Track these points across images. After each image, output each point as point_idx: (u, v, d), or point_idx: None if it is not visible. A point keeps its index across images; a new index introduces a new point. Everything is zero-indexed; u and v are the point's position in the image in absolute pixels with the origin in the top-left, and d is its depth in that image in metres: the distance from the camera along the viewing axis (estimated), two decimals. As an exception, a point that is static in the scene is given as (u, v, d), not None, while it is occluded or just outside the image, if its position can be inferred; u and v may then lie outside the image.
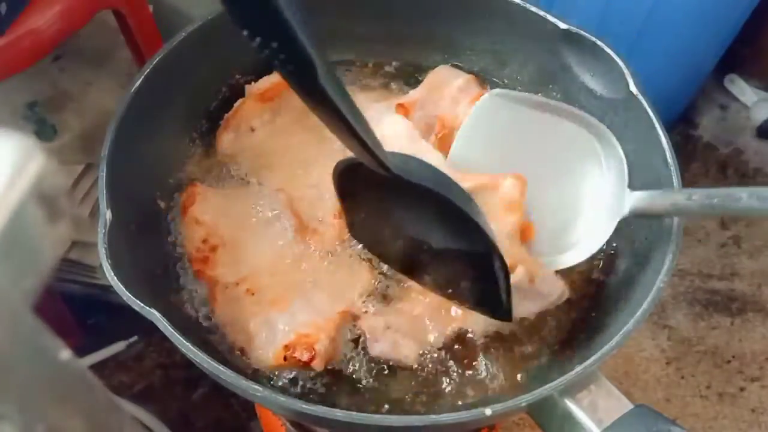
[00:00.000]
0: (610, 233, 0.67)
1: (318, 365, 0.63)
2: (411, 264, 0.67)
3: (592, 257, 0.71)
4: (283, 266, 0.70)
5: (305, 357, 0.63)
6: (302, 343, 0.63)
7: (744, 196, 0.57)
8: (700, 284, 1.66)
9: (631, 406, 0.57)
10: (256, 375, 0.66)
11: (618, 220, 0.66)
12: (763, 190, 0.56)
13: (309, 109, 0.51)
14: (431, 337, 0.67)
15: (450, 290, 0.66)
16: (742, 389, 1.52)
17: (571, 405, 0.57)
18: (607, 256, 0.74)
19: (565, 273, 0.73)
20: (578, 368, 0.57)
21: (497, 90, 0.74)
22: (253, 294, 0.68)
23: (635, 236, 0.73)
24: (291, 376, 0.66)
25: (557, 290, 0.69)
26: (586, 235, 0.69)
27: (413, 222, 0.63)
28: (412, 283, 0.69)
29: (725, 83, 1.97)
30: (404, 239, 0.65)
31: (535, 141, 0.71)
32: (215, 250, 0.70)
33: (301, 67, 0.47)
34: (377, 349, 0.66)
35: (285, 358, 0.64)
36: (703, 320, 1.61)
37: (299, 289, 0.69)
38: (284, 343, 0.64)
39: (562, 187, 0.70)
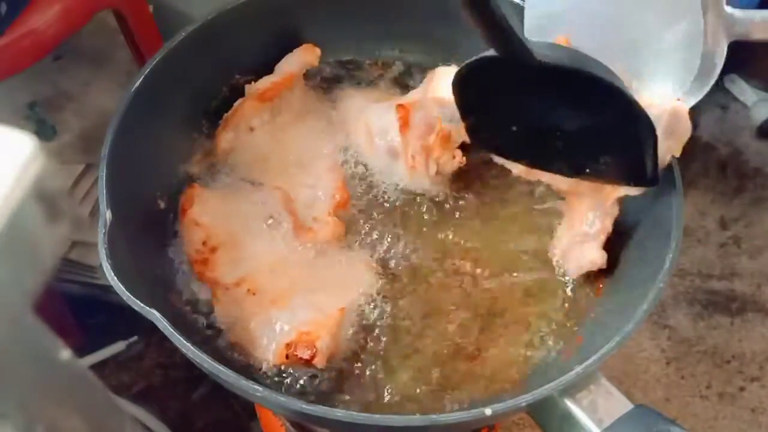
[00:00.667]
0: (722, 63, 0.64)
1: (319, 362, 0.64)
2: (545, 154, 0.68)
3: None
4: (282, 265, 0.70)
5: (306, 355, 0.63)
6: (303, 341, 0.64)
7: None
8: (700, 284, 1.66)
9: (631, 406, 0.57)
10: (258, 374, 0.66)
11: (726, 43, 0.62)
12: None
13: (467, 16, 0.54)
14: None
15: (588, 170, 0.67)
16: (741, 389, 1.52)
17: (571, 405, 0.57)
18: (606, 256, 0.74)
19: (564, 269, 0.74)
20: (578, 368, 0.57)
21: None
22: (253, 294, 0.68)
23: (635, 236, 0.73)
24: (294, 375, 0.66)
25: (689, 127, 0.66)
26: (696, 77, 0.66)
27: (550, 109, 0.63)
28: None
29: (725, 83, 1.97)
30: (538, 130, 0.65)
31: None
32: (215, 251, 0.70)
33: None
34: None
35: (287, 357, 0.64)
36: (703, 320, 1.61)
37: (299, 288, 0.69)
38: (285, 341, 0.64)
39: (654, 32, 0.66)
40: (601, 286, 0.73)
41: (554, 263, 0.73)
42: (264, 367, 0.66)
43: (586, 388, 0.58)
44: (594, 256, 0.70)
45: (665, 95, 0.65)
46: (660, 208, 0.68)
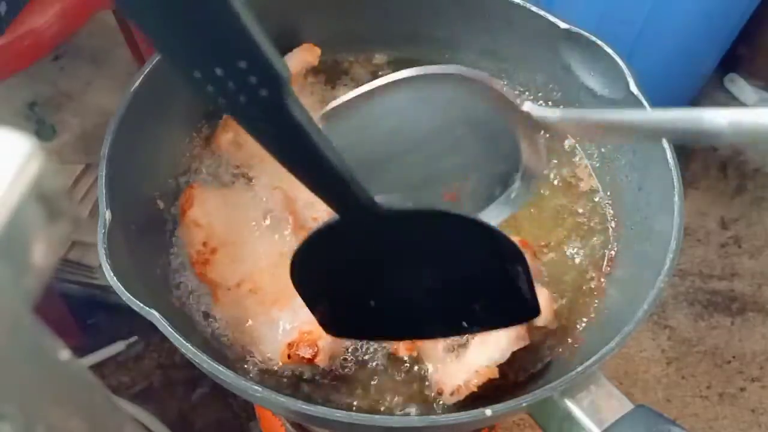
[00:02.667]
0: (545, 152, 0.57)
1: (322, 361, 0.64)
2: (415, 323, 0.60)
3: (600, 252, 0.71)
4: (283, 265, 0.70)
5: (309, 354, 0.63)
6: (305, 341, 0.64)
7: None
8: (700, 284, 1.66)
9: (631, 407, 0.57)
10: (260, 376, 0.66)
11: (540, 138, 0.56)
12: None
13: (270, 153, 0.45)
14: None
15: (465, 324, 0.59)
16: (742, 389, 1.52)
17: (571, 405, 0.57)
18: (607, 256, 0.74)
19: (565, 271, 0.74)
20: (578, 368, 0.57)
21: (324, 112, 0.60)
22: (255, 294, 0.68)
23: (635, 236, 0.73)
24: (295, 374, 0.66)
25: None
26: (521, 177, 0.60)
27: (405, 268, 0.55)
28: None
29: (725, 83, 1.97)
30: (399, 297, 0.57)
31: (407, 120, 0.61)
32: (216, 252, 0.70)
33: (267, 83, 0.38)
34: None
35: (289, 356, 0.64)
36: (703, 320, 1.61)
37: None
38: (287, 341, 0.65)
39: (467, 140, 0.61)
40: (601, 286, 0.73)
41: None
42: (269, 367, 0.66)
43: (587, 389, 0.58)
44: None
45: None
46: (660, 208, 0.68)
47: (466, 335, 0.64)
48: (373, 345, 0.68)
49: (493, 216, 0.61)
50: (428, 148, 0.61)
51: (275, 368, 0.66)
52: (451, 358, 0.66)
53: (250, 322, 0.67)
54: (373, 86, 0.57)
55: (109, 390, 0.33)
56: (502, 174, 0.61)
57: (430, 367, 0.67)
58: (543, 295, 0.66)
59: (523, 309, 0.56)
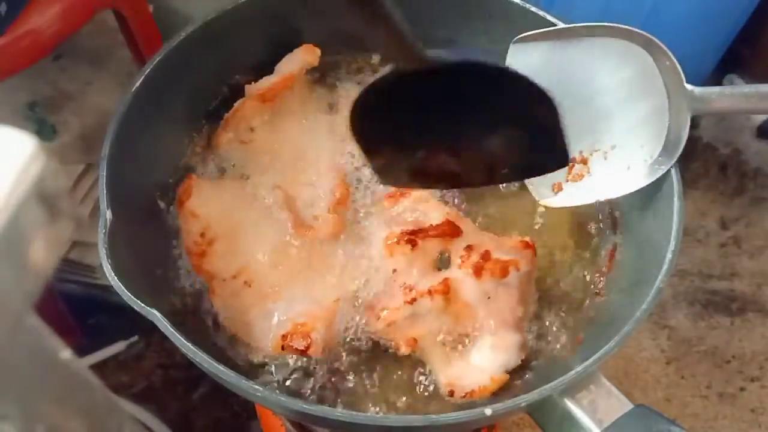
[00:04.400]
0: (687, 134, 0.65)
1: (315, 353, 0.64)
2: (457, 169, 0.64)
3: (600, 252, 0.71)
4: (279, 258, 0.71)
5: (302, 345, 0.64)
6: (299, 332, 0.64)
7: None
8: (700, 284, 1.66)
9: (631, 406, 0.57)
10: (257, 369, 0.67)
11: (690, 116, 0.64)
12: None
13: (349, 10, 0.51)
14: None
15: (505, 170, 0.63)
16: (742, 389, 1.52)
17: (571, 405, 0.57)
18: (607, 256, 0.74)
19: (564, 272, 0.74)
20: (578, 368, 0.57)
21: (517, 37, 0.73)
22: (250, 286, 0.69)
23: (635, 236, 0.73)
24: (292, 368, 0.67)
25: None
26: (664, 147, 0.67)
27: (448, 115, 0.59)
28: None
29: (725, 83, 1.97)
30: (444, 143, 0.62)
31: (581, 70, 0.69)
32: (213, 243, 0.71)
33: None
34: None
35: (283, 347, 0.64)
36: (703, 320, 1.61)
37: (295, 280, 0.69)
38: (281, 332, 0.65)
39: (623, 106, 0.68)
40: (601, 286, 0.73)
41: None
42: (262, 357, 0.67)
43: (586, 388, 0.58)
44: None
45: None
46: (660, 208, 0.68)
47: (506, 182, 0.68)
48: (368, 339, 0.68)
49: (629, 185, 0.67)
50: (583, 103, 0.68)
51: (271, 361, 0.67)
52: (455, 357, 0.66)
53: (245, 313, 0.68)
54: (569, 27, 0.68)
55: (109, 390, 0.33)
56: (638, 149, 0.67)
57: (432, 366, 0.67)
58: (513, 340, 0.67)
59: (554, 158, 0.61)
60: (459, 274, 0.67)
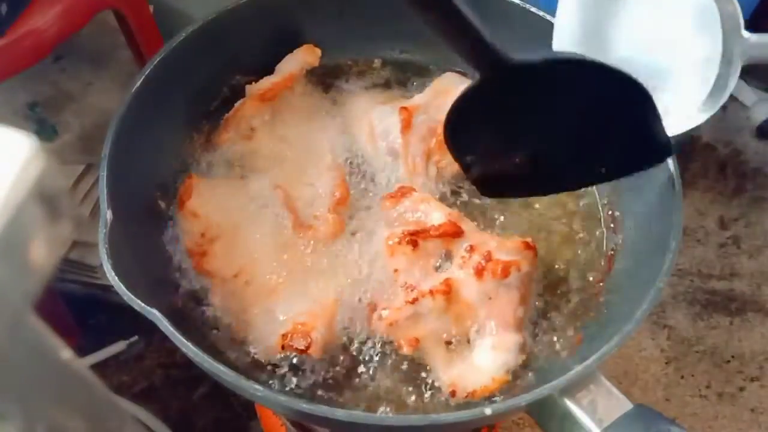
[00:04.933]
0: (737, 75, 0.63)
1: (315, 352, 0.64)
2: (556, 173, 0.65)
3: (600, 252, 0.71)
4: (279, 258, 0.71)
5: (302, 345, 0.64)
6: (299, 332, 0.64)
7: None
8: (699, 284, 1.66)
9: (630, 406, 0.57)
10: (257, 368, 0.67)
11: (740, 64, 0.62)
12: None
13: (425, 22, 0.50)
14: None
15: (604, 169, 0.63)
16: (741, 389, 1.52)
17: (571, 405, 0.57)
18: (607, 256, 0.74)
19: (565, 271, 0.74)
20: (578, 368, 0.57)
21: None
22: (250, 285, 0.69)
23: (635, 236, 0.73)
24: (293, 367, 0.67)
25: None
26: (710, 94, 0.65)
27: (541, 117, 0.60)
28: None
29: (725, 83, 1.97)
30: (543, 149, 0.62)
31: (638, 8, 0.68)
32: (213, 243, 0.71)
33: None
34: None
35: (283, 347, 0.65)
36: (702, 320, 1.61)
37: (296, 279, 0.70)
38: (282, 332, 0.65)
39: (679, 44, 0.66)
40: (601, 286, 0.73)
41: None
42: (263, 357, 0.67)
43: (586, 388, 0.58)
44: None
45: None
46: (659, 208, 0.68)
47: (608, 180, 0.66)
48: (369, 339, 0.68)
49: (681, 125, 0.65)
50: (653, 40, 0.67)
51: (271, 360, 0.67)
52: (456, 357, 0.66)
53: (245, 312, 0.68)
54: None
55: (109, 389, 0.33)
56: (685, 90, 0.66)
57: (433, 366, 0.67)
58: (514, 340, 0.67)
59: (654, 150, 0.62)
60: (460, 275, 0.67)
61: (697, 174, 1.81)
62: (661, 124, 0.59)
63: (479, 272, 0.66)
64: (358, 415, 0.56)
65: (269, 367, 0.67)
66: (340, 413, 0.55)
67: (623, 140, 0.61)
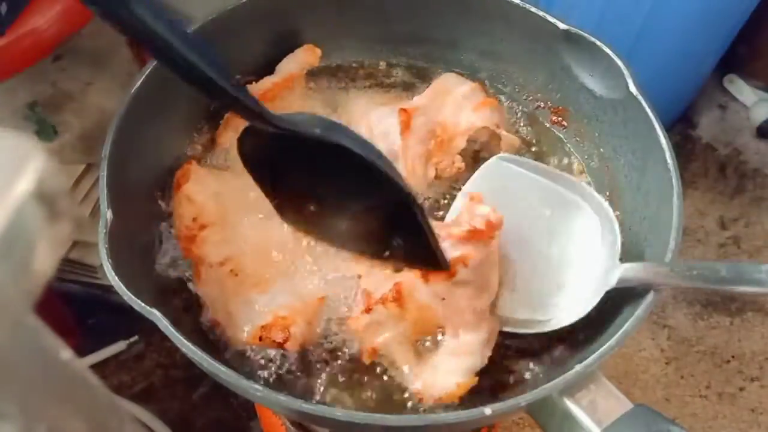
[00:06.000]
0: (594, 304, 0.65)
1: (291, 347, 0.64)
2: (346, 237, 0.66)
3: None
4: (269, 251, 0.71)
5: (279, 338, 0.64)
6: (278, 325, 0.65)
7: (723, 270, 0.61)
8: (699, 284, 1.66)
9: (630, 406, 0.57)
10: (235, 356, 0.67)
11: (605, 292, 0.64)
12: (743, 266, 0.61)
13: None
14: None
15: (386, 252, 0.64)
16: (741, 389, 1.52)
17: (570, 405, 0.57)
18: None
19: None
20: (578, 368, 0.57)
21: (504, 155, 0.75)
22: (236, 275, 0.69)
23: (635, 236, 0.73)
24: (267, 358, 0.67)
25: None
26: (570, 302, 0.67)
27: (324, 183, 0.61)
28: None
29: (725, 83, 1.97)
30: (324, 205, 0.63)
31: (533, 205, 0.71)
32: (204, 228, 0.71)
33: None
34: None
35: (260, 338, 0.65)
36: (702, 320, 1.61)
37: (282, 274, 0.70)
38: (261, 323, 0.65)
39: (553, 252, 0.70)
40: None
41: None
42: (237, 345, 0.67)
43: (586, 388, 0.58)
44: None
45: None
46: (660, 208, 0.68)
47: (390, 263, 0.65)
48: (342, 341, 0.68)
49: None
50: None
51: (246, 345, 0.67)
52: (420, 364, 0.65)
53: (227, 301, 0.68)
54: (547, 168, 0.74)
55: (109, 389, 0.33)
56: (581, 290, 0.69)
57: (399, 373, 0.66)
58: (475, 341, 0.65)
59: (430, 257, 0.61)
60: (410, 278, 0.64)
61: (697, 174, 1.81)
62: (431, 238, 0.59)
63: (425, 276, 0.63)
64: (357, 415, 0.56)
65: (254, 359, 0.67)
66: (339, 413, 0.55)
67: (402, 236, 0.62)
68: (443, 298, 0.63)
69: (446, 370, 0.64)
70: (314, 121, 0.55)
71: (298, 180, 0.62)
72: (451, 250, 0.62)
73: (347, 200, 0.61)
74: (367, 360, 0.65)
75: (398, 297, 0.62)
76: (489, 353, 0.65)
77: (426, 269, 0.62)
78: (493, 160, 0.74)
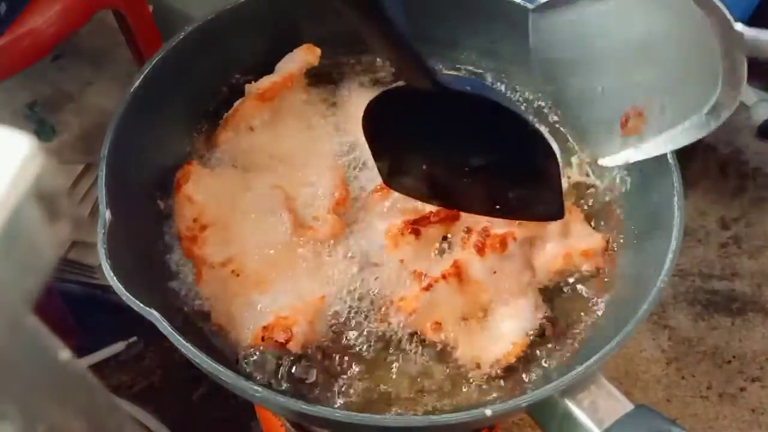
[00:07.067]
0: (745, 75, 0.61)
1: (294, 347, 0.64)
2: (456, 192, 0.69)
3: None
4: (271, 252, 0.71)
5: (282, 338, 0.64)
6: (280, 325, 0.65)
7: None
8: (700, 284, 1.66)
9: (631, 407, 0.57)
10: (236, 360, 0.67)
11: (745, 57, 0.61)
12: None
13: (363, 32, 0.54)
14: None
15: (498, 206, 0.67)
16: (742, 389, 1.52)
17: (571, 405, 0.57)
18: (608, 256, 0.74)
19: (565, 272, 0.74)
20: (578, 368, 0.57)
21: (537, 6, 0.72)
22: (237, 275, 0.69)
23: (635, 236, 0.73)
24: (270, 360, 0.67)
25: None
26: (721, 93, 0.63)
27: (455, 139, 0.63)
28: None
29: (725, 83, 1.97)
30: (447, 164, 0.66)
31: (618, 27, 0.67)
32: (205, 229, 0.71)
33: None
34: None
35: (263, 339, 0.65)
36: (703, 320, 1.61)
37: (284, 275, 0.70)
38: (263, 323, 0.65)
39: (670, 55, 0.65)
40: (601, 285, 0.73)
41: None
42: (240, 347, 0.67)
43: (587, 389, 0.58)
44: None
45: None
46: (660, 208, 0.68)
47: (498, 217, 0.69)
48: (377, 335, 0.68)
49: (683, 137, 0.66)
50: (625, 58, 0.67)
51: (249, 347, 0.67)
52: (475, 333, 0.68)
53: (229, 302, 0.68)
54: None
55: (109, 390, 0.33)
56: (694, 96, 0.64)
57: (455, 344, 0.68)
58: (595, 239, 0.72)
59: (549, 208, 0.66)
60: (464, 255, 0.69)
61: (697, 174, 1.81)
62: (558, 186, 0.64)
63: (480, 249, 0.68)
64: (356, 415, 0.56)
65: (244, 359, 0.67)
66: (339, 413, 0.55)
67: (521, 187, 0.66)
68: (495, 272, 0.69)
69: (501, 334, 0.68)
70: (462, 81, 0.62)
71: (423, 140, 0.65)
72: (500, 229, 0.69)
73: (472, 156, 0.64)
74: (433, 335, 0.67)
75: (459, 272, 0.67)
76: (540, 316, 0.69)
77: (538, 219, 0.69)
78: (531, 19, 0.72)
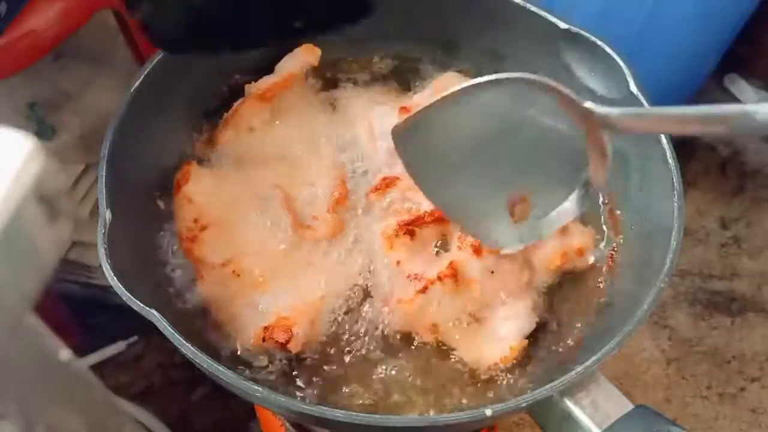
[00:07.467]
0: (610, 153, 0.59)
1: (294, 347, 0.65)
2: (247, 27, 0.65)
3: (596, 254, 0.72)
4: (271, 252, 0.71)
5: (282, 338, 0.64)
6: (281, 325, 0.65)
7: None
8: (700, 284, 1.66)
9: (631, 407, 0.57)
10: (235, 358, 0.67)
11: (606, 134, 0.58)
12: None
13: None
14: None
15: (299, 24, 0.65)
16: (742, 389, 1.52)
17: (571, 405, 0.57)
18: (607, 256, 0.74)
19: (564, 271, 0.74)
20: (578, 368, 0.57)
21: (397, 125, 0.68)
22: (238, 276, 0.69)
23: (635, 236, 0.73)
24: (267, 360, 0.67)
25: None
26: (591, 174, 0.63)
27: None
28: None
29: (725, 83, 1.97)
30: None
31: (473, 123, 0.66)
32: (205, 229, 0.71)
33: None
34: None
35: (264, 339, 0.65)
36: (703, 320, 1.61)
37: (285, 275, 0.70)
38: (264, 324, 0.65)
39: (539, 142, 0.65)
40: (601, 286, 0.73)
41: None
42: (241, 347, 0.67)
43: (587, 389, 0.58)
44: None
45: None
46: (660, 208, 0.68)
47: (298, 38, 0.66)
48: (377, 334, 0.68)
49: (562, 218, 0.66)
50: (495, 152, 0.66)
51: (251, 347, 0.67)
52: (473, 335, 0.68)
53: (230, 302, 0.68)
54: (443, 96, 0.62)
55: (109, 390, 0.33)
56: (570, 176, 0.65)
57: (453, 346, 0.68)
58: (586, 236, 0.71)
59: (352, 7, 0.62)
60: (461, 256, 0.68)
61: (697, 174, 1.81)
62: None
63: (477, 251, 0.68)
64: (356, 415, 0.56)
65: (250, 360, 0.67)
66: (339, 414, 0.55)
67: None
68: (492, 272, 0.68)
69: (498, 336, 0.67)
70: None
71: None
72: None
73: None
74: (428, 338, 0.67)
75: (455, 273, 0.67)
76: (536, 318, 0.69)
77: (346, 21, 0.66)
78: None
